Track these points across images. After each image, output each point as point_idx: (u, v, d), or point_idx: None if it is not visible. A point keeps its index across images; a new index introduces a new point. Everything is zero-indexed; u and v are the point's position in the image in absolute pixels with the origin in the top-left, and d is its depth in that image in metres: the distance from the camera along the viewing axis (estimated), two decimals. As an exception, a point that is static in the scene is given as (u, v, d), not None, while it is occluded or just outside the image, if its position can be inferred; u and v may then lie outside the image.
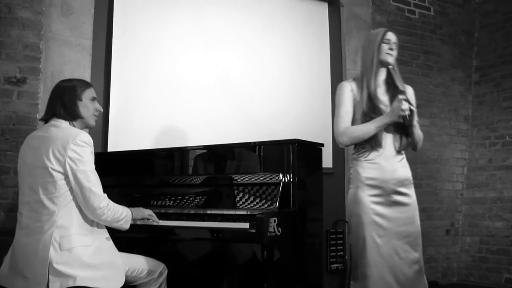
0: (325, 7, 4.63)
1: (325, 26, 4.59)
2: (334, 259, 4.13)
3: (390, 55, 2.64)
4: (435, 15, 5.16)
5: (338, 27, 4.60)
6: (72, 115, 2.33)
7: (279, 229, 2.40)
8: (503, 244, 4.72)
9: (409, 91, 2.71)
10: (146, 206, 2.83)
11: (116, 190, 2.86)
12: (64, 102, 2.32)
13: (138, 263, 2.39)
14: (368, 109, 2.56)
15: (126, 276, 2.28)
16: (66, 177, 2.17)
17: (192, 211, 2.76)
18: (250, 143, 2.84)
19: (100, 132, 3.51)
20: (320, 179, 2.91)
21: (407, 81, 4.78)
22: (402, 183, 2.59)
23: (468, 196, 5.15)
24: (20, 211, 2.27)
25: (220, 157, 2.95)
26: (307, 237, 2.78)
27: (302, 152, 2.71)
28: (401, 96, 2.54)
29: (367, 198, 2.53)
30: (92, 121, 2.42)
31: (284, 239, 2.46)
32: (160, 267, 2.47)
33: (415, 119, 2.61)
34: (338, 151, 4.26)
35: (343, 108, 2.61)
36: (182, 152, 3.07)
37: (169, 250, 3.05)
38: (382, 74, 2.70)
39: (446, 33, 5.21)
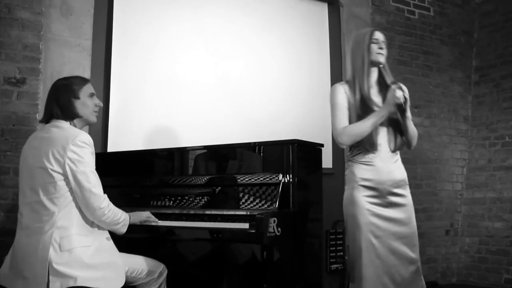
0: (325, 7, 4.63)
1: (325, 26, 4.59)
2: (334, 260, 4.13)
3: (381, 55, 2.62)
4: (435, 16, 5.16)
5: (338, 27, 4.60)
6: (69, 115, 2.32)
7: (279, 229, 2.40)
8: (502, 245, 4.72)
9: (402, 88, 2.68)
10: (146, 206, 2.83)
11: (116, 190, 2.85)
12: (59, 102, 2.30)
13: (138, 264, 2.39)
14: (363, 112, 2.55)
15: (126, 277, 2.28)
16: (66, 178, 2.17)
17: (192, 212, 2.76)
18: (250, 143, 2.84)
19: (100, 132, 3.51)
20: (320, 180, 2.92)
21: (406, 81, 4.83)
22: (398, 184, 2.58)
23: (467, 197, 5.15)
24: (20, 212, 2.27)
25: (220, 157, 2.95)
26: (307, 237, 2.78)
27: (302, 153, 2.71)
28: (394, 86, 2.54)
29: (363, 199, 2.52)
30: (92, 118, 2.39)
31: (284, 239, 2.46)
32: (159, 267, 2.47)
33: (408, 111, 2.59)
34: (338, 152, 4.26)
35: (339, 109, 2.60)
36: (181, 152, 3.07)
37: (169, 251, 3.05)
38: (374, 75, 2.68)
39: (446, 34, 5.21)
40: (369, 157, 2.57)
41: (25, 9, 3.29)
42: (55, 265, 2.07)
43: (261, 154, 2.79)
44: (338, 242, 4.16)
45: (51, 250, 2.08)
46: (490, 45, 5.22)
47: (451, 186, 5.12)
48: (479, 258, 4.91)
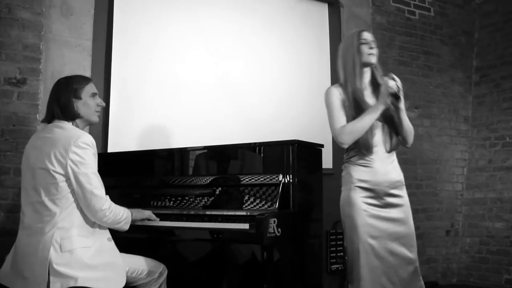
0: (325, 7, 4.63)
1: (325, 27, 4.59)
2: (334, 260, 4.13)
3: (372, 55, 2.59)
4: (435, 16, 5.16)
5: (338, 27, 4.60)
6: (70, 115, 2.31)
7: (279, 229, 2.40)
8: (503, 245, 4.72)
9: (395, 78, 2.64)
10: (146, 206, 2.83)
11: (116, 191, 2.85)
12: (60, 102, 2.30)
13: (138, 264, 2.39)
14: (357, 114, 2.53)
15: (126, 277, 2.28)
16: (68, 180, 2.17)
17: (192, 212, 2.76)
18: (250, 143, 2.84)
19: (100, 132, 3.51)
20: (320, 180, 2.92)
21: (407, 81, 4.83)
22: (394, 185, 2.57)
23: (468, 197, 5.15)
24: (23, 211, 2.27)
25: (220, 157, 2.95)
26: (307, 237, 2.78)
27: (302, 153, 2.71)
28: (385, 78, 2.53)
29: (360, 200, 2.51)
30: (94, 118, 2.39)
31: (284, 239, 2.47)
32: (160, 267, 2.47)
33: (402, 103, 2.57)
34: (338, 152, 4.24)
35: (336, 109, 2.58)
36: (182, 152, 3.07)
37: (169, 251, 3.05)
38: (367, 76, 2.66)
39: (446, 34, 5.21)
40: (365, 158, 2.56)
41: (26, 9, 3.29)
42: (55, 266, 2.07)
43: (261, 155, 2.79)
44: (338, 242, 4.16)
45: (51, 251, 2.09)
46: (491, 45, 5.22)
47: (452, 187, 5.12)
48: (479, 258, 4.91)
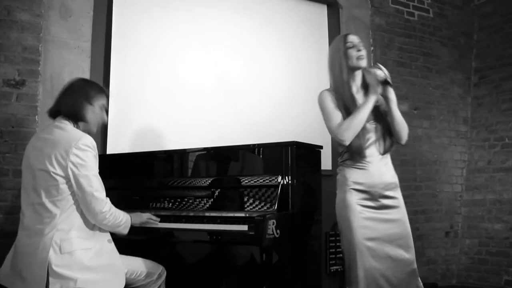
0: (324, 9, 4.63)
1: (324, 28, 4.60)
2: (334, 261, 4.13)
3: (361, 58, 2.57)
4: (434, 17, 5.16)
5: (337, 29, 4.60)
6: (75, 116, 2.31)
7: (278, 231, 2.40)
8: (502, 246, 4.72)
9: (381, 67, 2.63)
10: (145, 208, 2.83)
11: (115, 193, 2.86)
12: (73, 100, 2.31)
13: (137, 265, 2.39)
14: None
15: (125, 279, 2.28)
16: (69, 181, 2.16)
17: (191, 214, 2.76)
18: (249, 145, 2.84)
19: (99, 134, 3.51)
20: (319, 181, 2.92)
21: (406, 83, 4.84)
22: (389, 186, 2.57)
23: (467, 198, 5.15)
24: (22, 211, 2.27)
25: (219, 159, 2.95)
26: (306, 239, 2.78)
27: (301, 154, 2.71)
28: (371, 69, 2.53)
29: (356, 202, 2.51)
30: (94, 129, 2.40)
31: (283, 241, 2.46)
32: (159, 269, 2.47)
33: (392, 92, 2.56)
34: (337, 153, 4.25)
35: (330, 110, 2.56)
36: (181, 154, 3.07)
37: (168, 252, 3.05)
38: (358, 79, 2.64)
39: (445, 35, 5.22)
40: (360, 160, 2.55)
41: (25, 11, 3.30)
42: (54, 267, 2.07)
43: (260, 156, 2.79)
44: (337, 243, 4.15)
45: (51, 252, 2.09)
46: (490, 46, 5.22)
47: (451, 188, 5.12)
48: (479, 259, 4.90)
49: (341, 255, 4.11)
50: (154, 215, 2.63)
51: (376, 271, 2.46)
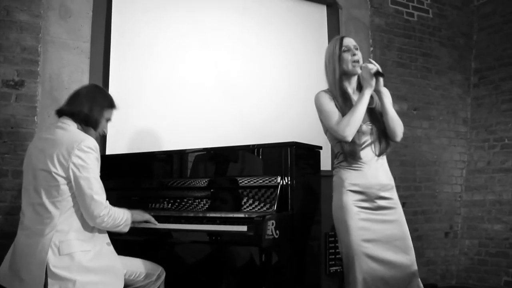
0: (323, 9, 4.63)
1: (324, 29, 4.59)
2: (333, 262, 4.12)
3: (356, 63, 2.58)
4: (434, 18, 5.16)
5: (336, 29, 4.60)
6: (88, 121, 2.34)
7: (277, 232, 2.40)
8: (502, 247, 4.72)
9: (371, 61, 2.64)
10: (145, 209, 2.82)
11: (114, 193, 2.85)
12: (91, 105, 2.34)
13: (136, 266, 2.39)
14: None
15: (124, 280, 2.27)
16: (69, 183, 2.16)
17: (191, 214, 2.75)
18: (248, 145, 2.84)
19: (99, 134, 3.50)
20: (318, 182, 2.92)
21: (405, 83, 4.84)
22: (385, 188, 2.57)
23: (467, 199, 5.14)
24: (23, 211, 2.27)
25: (219, 159, 2.95)
26: (305, 239, 2.78)
27: (301, 155, 2.71)
28: (362, 64, 2.54)
29: (352, 204, 2.51)
30: (94, 135, 2.41)
31: (283, 242, 2.46)
32: (158, 270, 2.46)
33: (381, 84, 2.57)
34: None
35: (329, 109, 2.56)
36: (180, 154, 3.07)
37: (167, 253, 3.05)
38: (353, 82, 2.66)
39: (445, 36, 5.22)
40: (356, 162, 2.55)
41: (24, 11, 3.29)
42: (53, 268, 2.07)
43: (260, 157, 2.79)
44: (337, 244, 4.14)
45: (49, 253, 2.08)
46: (489, 47, 5.22)
47: (451, 188, 5.11)
48: (478, 260, 4.90)
49: (340, 256, 4.12)
50: (153, 215, 2.63)
51: (375, 272, 2.46)
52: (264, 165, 2.75)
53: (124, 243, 2.49)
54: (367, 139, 2.57)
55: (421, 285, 2.57)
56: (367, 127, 2.57)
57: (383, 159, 2.63)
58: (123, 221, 2.29)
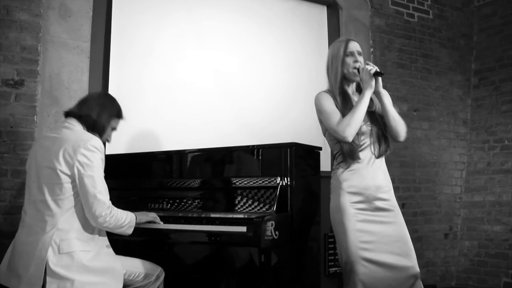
0: (324, 10, 4.63)
1: (324, 29, 4.59)
2: (332, 263, 4.12)
3: (355, 70, 2.58)
4: (434, 19, 5.16)
5: (337, 30, 4.59)
6: (95, 127, 2.35)
7: (277, 232, 2.40)
8: (501, 248, 4.72)
9: (369, 63, 2.64)
10: (144, 209, 2.83)
11: (113, 193, 2.84)
12: (102, 112, 2.37)
13: (135, 266, 2.39)
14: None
15: (123, 280, 2.27)
16: (73, 181, 2.18)
17: (190, 215, 2.75)
18: (248, 146, 2.84)
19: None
20: (318, 183, 2.92)
21: (406, 84, 4.83)
22: (382, 189, 2.56)
23: (466, 200, 5.14)
24: (24, 209, 2.28)
25: (218, 160, 2.95)
26: (305, 240, 2.77)
27: (300, 156, 2.71)
28: (361, 66, 2.54)
29: (350, 206, 2.50)
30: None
31: (282, 242, 2.46)
32: (157, 270, 2.46)
33: (380, 83, 2.57)
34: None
35: (330, 109, 2.56)
36: (180, 155, 3.07)
37: (166, 253, 3.05)
38: (353, 85, 2.68)
39: (445, 37, 5.21)
40: (354, 164, 2.55)
41: (24, 11, 3.29)
42: (52, 266, 2.07)
43: (259, 157, 2.79)
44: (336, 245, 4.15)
45: (49, 251, 2.09)
46: (489, 48, 5.22)
47: (450, 190, 5.11)
48: (478, 261, 4.90)
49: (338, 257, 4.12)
50: (152, 216, 2.63)
51: (374, 275, 2.45)
52: (263, 166, 2.75)
53: (123, 243, 2.49)
54: (366, 140, 2.57)
55: (421, 285, 2.56)
56: (367, 128, 2.57)
57: (382, 160, 2.63)
58: (126, 222, 2.29)
